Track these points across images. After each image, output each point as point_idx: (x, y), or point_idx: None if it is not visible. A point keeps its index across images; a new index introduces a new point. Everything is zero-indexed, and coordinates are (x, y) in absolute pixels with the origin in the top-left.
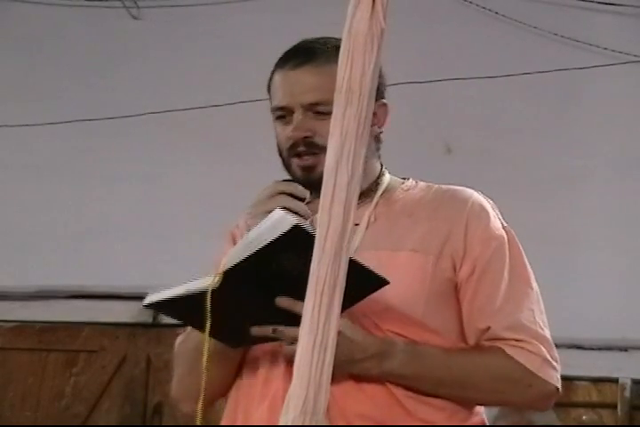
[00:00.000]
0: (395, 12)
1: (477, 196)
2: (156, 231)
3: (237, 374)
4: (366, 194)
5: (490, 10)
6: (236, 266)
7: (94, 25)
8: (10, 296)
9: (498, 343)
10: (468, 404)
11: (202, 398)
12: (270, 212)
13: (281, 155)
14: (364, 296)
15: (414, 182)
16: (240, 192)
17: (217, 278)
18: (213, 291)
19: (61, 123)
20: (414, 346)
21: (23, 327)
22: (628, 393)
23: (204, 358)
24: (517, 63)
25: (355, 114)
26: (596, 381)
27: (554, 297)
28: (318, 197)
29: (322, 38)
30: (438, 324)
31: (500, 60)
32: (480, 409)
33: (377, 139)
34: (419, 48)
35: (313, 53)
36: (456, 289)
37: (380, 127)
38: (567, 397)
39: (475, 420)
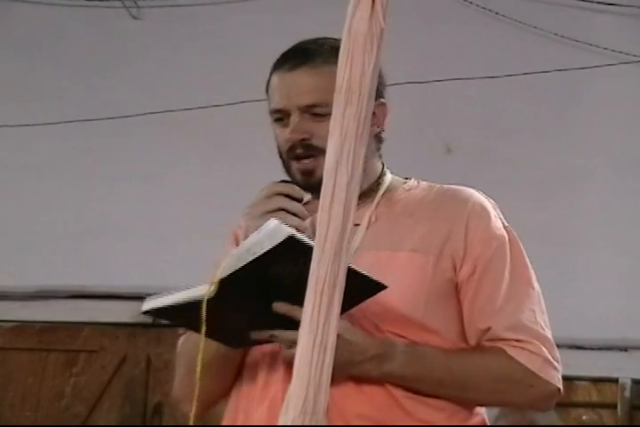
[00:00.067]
0: (395, 12)
1: (478, 196)
2: (156, 231)
3: (238, 375)
4: (367, 194)
5: (490, 10)
6: (231, 275)
7: (94, 25)
8: (10, 296)
9: (499, 344)
10: (468, 404)
11: (195, 401)
12: (268, 212)
13: (281, 157)
14: (362, 300)
15: (416, 182)
16: (240, 192)
17: (213, 287)
18: (209, 299)
19: (61, 123)
20: (414, 347)
21: (23, 327)
22: (628, 393)
23: (198, 368)
24: (517, 63)
25: (354, 114)
26: (596, 381)
27: (554, 297)
28: (318, 198)
29: (319, 39)
30: (438, 324)
31: (500, 60)
32: (480, 409)
33: (378, 138)
34: (419, 48)
35: (309, 55)
36: (457, 289)
37: (378, 127)
38: (567, 397)
39: (475, 420)
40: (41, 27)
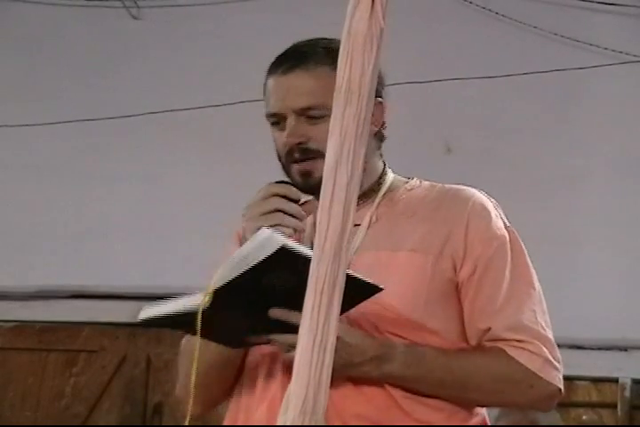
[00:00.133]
0: (395, 12)
1: (480, 195)
2: (156, 231)
3: (240, 376)
4: (368, 194)
5: (490, 10)
6: (225, 285)
7: (94, 25)
8: (10, 296)
9: (499, 344)
10: (468, 405)
11: (191, 403)
12: (265, 214)
13: (280, 160)
14: (358, 303)
15: (418, 182)
16: (240, 192)
17: (207, 298)
18: (205, 308)
19: (61, 123)
20: (414, 348)
21: (23, 327)
22: (627, 393)
23: (193, 377)
24: (517, 63)
25: (354, 114)
26: (596, 381)
27: (554, 297)
28: (318, 199)
29: (312, 40)
30: (438, 324)
31: (500, 60)
32: (481, 409)
33: (379, 137)
34: (419, 48)
35: (302, 57)
36: (457, 289)
37: (376, 126)
38: (567, 397)
39: (475, 420)
40: (41, 27)
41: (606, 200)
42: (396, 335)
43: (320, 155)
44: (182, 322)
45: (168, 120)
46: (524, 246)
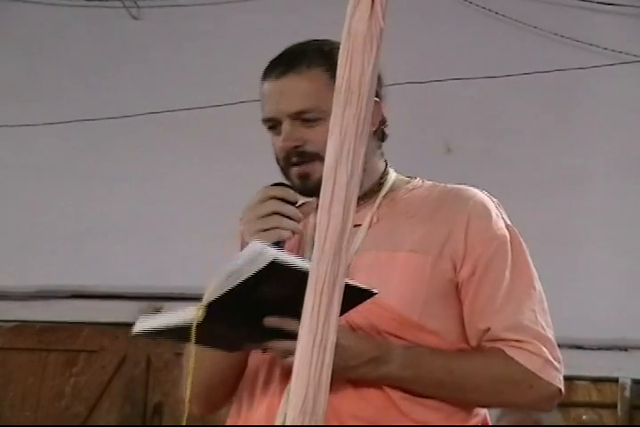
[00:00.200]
0: (395, 12)
1: (481, 195)
2: (156, 231)
3: (242, 377)
4: (369, 194)
5: (490, 10)
6: (218, 298)
7: (94, 25)
8: (10, 296)
9: (498, 344)
10: (468, 406)
11: (187, 406)
12: (262, 217)
13: (278, 163)
14: (352, 308)
15: (420, 181)
16: (240, 192)
17: (200, 312)
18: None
19: (61, 123)
20: (412, 349)
21: (23, 327)
22: (628, 393)
23: (188, 383)
24: (517, 63)
25: (354, 114)
26: (596, 381)
27: (554, 297)
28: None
29: (305, 42)
30: (437, 325)
31: (500, 60)
32: (481, 410)
33: (378, 136)
34: (419, 48)
35: (295, 60)
36: (457, 290)
37: (373, 125)
38: (567, 397)
39: (474, 420)
40: (41, 27)
41: (606, 200)
42: (395, 336)
43: (317, 157)
44: (177, 334)
45: (168, 120)
46: (525, 246)
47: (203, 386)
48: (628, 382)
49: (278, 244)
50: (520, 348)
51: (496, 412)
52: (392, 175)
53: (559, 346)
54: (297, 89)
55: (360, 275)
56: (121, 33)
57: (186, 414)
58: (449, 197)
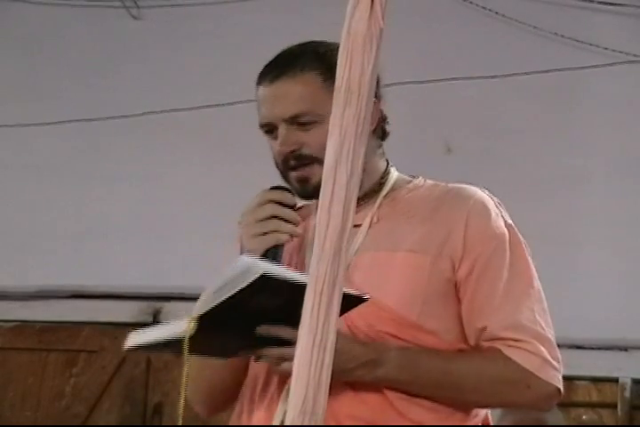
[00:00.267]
0: (395, 12)
1: (481, 194)
2: (156, 231)
3: (244, 381)
4: (370, 194)
5: (490, 10)
6: (209, 311)
7: (94, 25)
8: (10, 296)
9: (496, 344)
10: (467, 406)
11: (181, 412)
12: (260, 220)
13: (277, 167)
14: (343, 313)
15: (422, 181)
16: (240, 192)
17: (191, 325)
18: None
19: (61, 123)
20: (408, 351)
21: (23, 327)
22: (628, 393)
23: (181, 405)
24: (517, 63)
25: (354, 114)
26: (596, 380)
27: (554, 297)
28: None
29: (299, 45)
30: (436, 325)
31: (500, 60)
32: (481, 410)
33: (378, 135)
34: (419, 48)
35: (288, 64)
36: (456, 289)
37: (371, 125)
38: (567, 396)
39: (474, 421)
40: (41, 27)
41: (606, 200)
42: (394, 336)
43: (315, 160)
44: (170, 347)
45: (168, 120)
46: (524, 245)
47: (205, 390)
48: (628, 382)
49: (277, 247)
50: (518, 347)
51: (498, 412)
52: (393, 175)
53: (559, 346)
54: (291, 93)
55: (359, 275)
56: (121, 33)
57: (181, 413)
58: (449, 197)
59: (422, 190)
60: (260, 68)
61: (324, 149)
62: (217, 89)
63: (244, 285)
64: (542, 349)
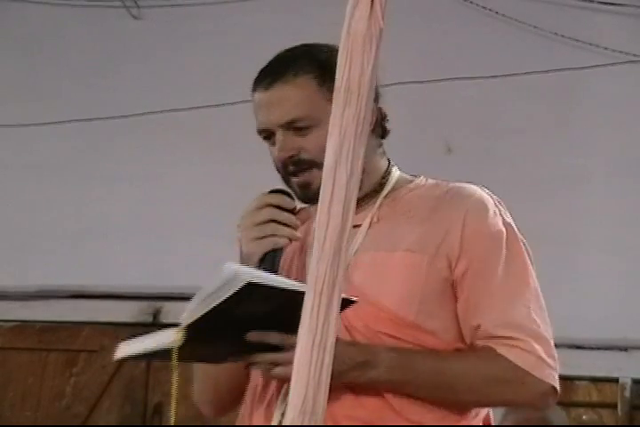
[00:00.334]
0: (395, 12)
1: (480, 193)
2: (156, 231)
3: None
4: (371, 195)
5: (490, 9)
6: (196, 320)
7: (95, 25)
8: (10, 296)
9: (490, 342)
10: (463, 406)
11: (173, 411)
12: (258, 224)
13: (279, 172)
14: None
15: (424, 180)
16: (240, 192)
17: (179, 335)
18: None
19: (61, 123)
20: (400, 352)
21: (23, 327)
22: (628, 393)
23: (173, 413)
24: (518, 63)
25: (353, 114)
26: (596, 380)
27: (554, 297)
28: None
29: (293, 49)
30: (435, 324)
31: (501, 60)
32: (481, 410)
33: (381, 132)
34: (419, 48)
35: (282, 70)
36: (453, 288)
37: (370, 125)
38: (567, 396)
39: (474, 421)
40: (41, 27)
41: (606, 200)
42: (391, 336)
43: (314, 164)
44: (160, 356)
45: (168, 120)
46: (523, 244)
47: (211, 391)
48: (629, 382)
49: (275, 251)
50: (512, 346)
51: (500, 411)
52: (395, 174)
53: (559, 346)
54: (286, 99)
55: (358, 275)
56: (121, 33)
57: (173, 412)
58: (448, 197)
59: (423, 190)
60: (260, 68)
61: (322, 153)
62: (217, 89)
63: (229, 293)
64: (537, 347)
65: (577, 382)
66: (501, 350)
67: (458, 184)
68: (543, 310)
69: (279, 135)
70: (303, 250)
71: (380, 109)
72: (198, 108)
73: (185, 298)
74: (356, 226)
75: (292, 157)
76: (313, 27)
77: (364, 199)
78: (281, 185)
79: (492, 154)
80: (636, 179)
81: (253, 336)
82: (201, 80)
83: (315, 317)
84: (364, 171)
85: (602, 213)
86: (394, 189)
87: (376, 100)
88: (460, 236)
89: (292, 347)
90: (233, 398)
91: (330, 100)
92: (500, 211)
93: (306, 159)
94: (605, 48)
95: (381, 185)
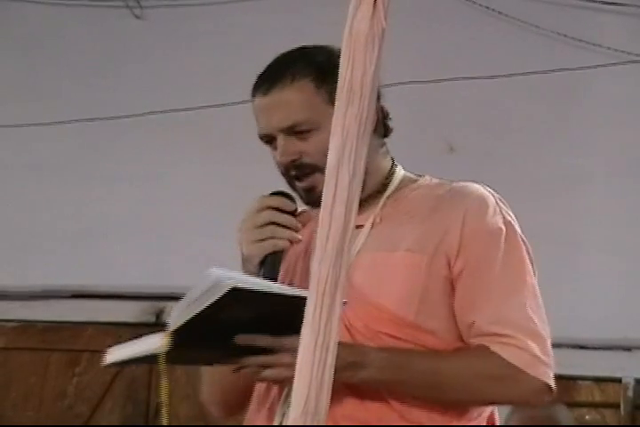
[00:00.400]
0: (397, 12)
1: (481, 192)
2: (157, 231)
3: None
4: (374, 195)
5: (493, 9)
6: (182, 326)
7: (95, 24)
8: (12, 296)
9: (484, 340)
10: (459, 405)
11: (165, 411)
12: (258, 227)
13: (283, 176)
14: None
15: (428, 179)
16: (240, 192)
17: (165, 340)
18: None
19: (61, 123)
20: (391, 352)
21: (26, 327)
22: (630, 393)
23: (164, 407)
24: (520, 63)
25: (356, 114)
26: (599, 380)
27: (555, 297)
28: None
29: (290, 52)
30: (435, 324)
31: (503, 60)
32: (485, 410)
33: (383, 131)
34: (421, 48)
35: (280, 75)
36: (453, 287)
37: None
38: (570, 396)
39: (476, 421)
40: (41, 27)
41: (606, 200)
42: (392, 336)
43: (316, 169)
44: (148, 360)
45: (168, 120)
46: (522, 242)
47: (219, 392)
48: (631, 382)
49: (275, 253)
50: (506, 343)
51: (506, 410)
52: (399, 174)
53: (561, 346)
54: (285, 103)
55: (358, 275)
56: (123, 33)
57: (166, 410)
58: (449, 196)
59: (425, 190)
60: (261, 68)
61: (324, 157)
62: (218, 89)
63: (214, 299)
64: (531, 344)
65: (580, 382)
66: (495, 347)
67: (460, 183)
68: (540, 308)
69: (280, 140)
70: (308, 253)
71: (382, 108)
72: (199, 108)
73: None
74: (358, 227)
75: (293, 161)
76: (313, 27)
77: (367, 200)
78: (281, 185)
79: (492, 154)
80: (636, 179)
81: (241, 340)
82: (201, 80)
83: (317, 317)
84: (366, 171)
85: (602, 213)
86: (397, 188)
87: (378, 98)
88: (459, 234)
89: (280, 349)
90: (240, 399)
91: (329, 103)
92: (500, 209)
93: (308, 164)
94: (608, 48)
95: (385, 185)
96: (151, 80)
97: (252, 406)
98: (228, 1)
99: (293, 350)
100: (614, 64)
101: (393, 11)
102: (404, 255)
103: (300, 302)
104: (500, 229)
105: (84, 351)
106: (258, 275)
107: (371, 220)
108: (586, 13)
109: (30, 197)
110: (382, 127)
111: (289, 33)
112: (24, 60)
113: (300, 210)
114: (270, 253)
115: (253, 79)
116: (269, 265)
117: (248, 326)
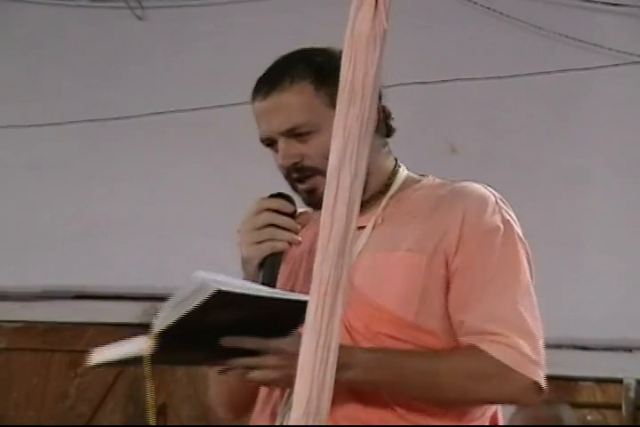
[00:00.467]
0: (398, 13)
1: (481, 191)
2: (157, 231)
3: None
4: (376, 196)
5: (494, 10)
6: (167, 328)
7: (96, 25)
8: (13, 297)
9: (475, 338)
10: (450, 404)
11: (153, 413)
12: (257, 229)
13: (285, 179)
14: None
15: (431, 179)
16: (240, 192)
17: (150, 343)
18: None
19: (62, 123)
20: (377, 352)
21: (27, 328)
22: (632, 394)
23: (151, 413)
24: (521, 63)
25: (357, 114)
26: (601, 381)
27: (555, 297)
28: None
29: (290, 55)
30: (435, 324)
31: (504, 61)
32: (488, 410)
33: (385, 131)
34: (422, 48)
35: (279, 78)
36: (449, 285)
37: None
38: (571, 397)
39: (478, 421)
40: (42, 27)
41: (606, 200)
42: (391, 337)
43: (317, 171)
44: (134, 362)
45: (169, 120)
46: (519, 241)
47: (225, 393)
48: (633, 382)
49: (275, 255)
50: (495, 341)
51: (509, 410)
52: (402, 174)
53: (562, 346)
54: (284, 106)
55: (359, 276)
56: (125, 34)
57: (154, 408)
58: (449, 196)
59: (427, 190)
60: (263, 68)
61: (324, 159)
62: (219, 89)
63: (198, 302)
64: (522, 342)
65: (581, 383)
66: (484, 346)
67: (462, 183)
68: (534, 307)
69: (281, 143)
70: (312, 253)
71: (384, 108)
72: (200, 108)
73: None
74: (360, 227)
75: (295, 164)
76: (313, 27)
77: (370, 200)
78: (281, 185)
79: (493, 154)
80: (636, 179)
81: (228, 342)
82: (202, 81)
83: (319, 318)
84: (368, 172)
85: (602, 213)
86: (400, 189)
87: (379, 98)
88: (458, 233)
89: (266, 351)
90: (247, 400)
91: (329, 105)
92: (500, 208)
93: (309, 166)
94: (609, 49)
95: (387, 186)
96: (152, 81)
97: (257, 406)
98: (229, 1)
99: (279, 352)
100: (615, 65)
101: (394, 11)
102: (404, 255)
103: (286, 305)
104: (498, 227)
105: (85, 352)
106: (257, 277)
107: (373, 220)
108: (587, 14)
109: (30, 197)
110: (385, 127)
111: (289, 33)
112: (24, 60)
113: (299, 211)
114: (269, 255)
115: (254, 80)
116: (268, 267)
117: (234, 328)
